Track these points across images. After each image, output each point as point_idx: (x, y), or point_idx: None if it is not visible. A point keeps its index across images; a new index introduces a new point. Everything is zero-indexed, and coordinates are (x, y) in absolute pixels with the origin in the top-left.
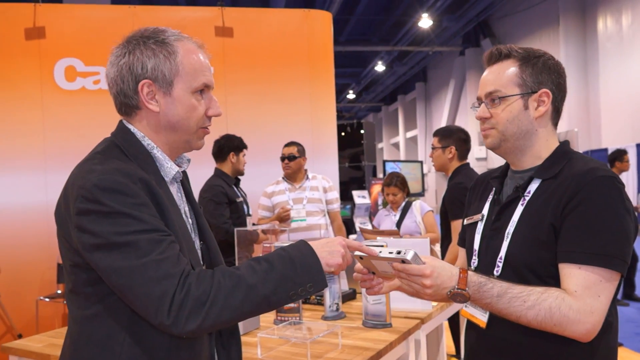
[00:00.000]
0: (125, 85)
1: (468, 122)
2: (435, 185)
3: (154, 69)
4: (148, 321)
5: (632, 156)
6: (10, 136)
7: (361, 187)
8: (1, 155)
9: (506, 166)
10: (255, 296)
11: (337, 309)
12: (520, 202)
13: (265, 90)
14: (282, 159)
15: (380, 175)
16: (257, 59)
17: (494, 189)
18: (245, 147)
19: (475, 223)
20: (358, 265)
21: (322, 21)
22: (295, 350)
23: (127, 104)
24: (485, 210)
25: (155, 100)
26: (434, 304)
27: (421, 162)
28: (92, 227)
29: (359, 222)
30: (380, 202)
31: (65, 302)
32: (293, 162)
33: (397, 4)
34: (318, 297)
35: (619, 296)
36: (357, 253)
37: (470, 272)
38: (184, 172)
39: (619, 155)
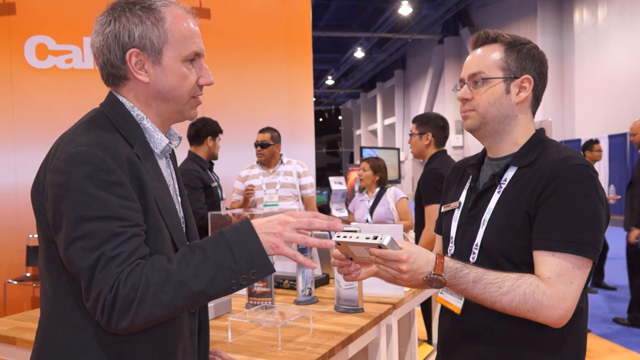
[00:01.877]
0: (112, 55)
1: (446, 110)
2: (412, 173)
3: (142, 37)
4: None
5: (604, 147)
6: None
7: (338, 173)
8: None
9: (483, 154)
10: (188, 291)
11: (310, 294)
12: (497, 190)
13: (242, 73)
14: (255, 145)
15: (357, 161)
16: (234, 42)
17: (470, 176)
18: (221, 131)
19: (452, 210)
20: (336, 251)
21: (301, 4)
22: (266, 334)
23: (114, 74)
24: (462, 198)
25: (145, 70)
26: (406, 289)
27: (398, 150)
28: (56, 204)
29: (335, 208)
30: (357, 188)
31: (34, 285)
32: (266, 150)
33: None
34: (291, 282)
35: (588, 284)
36: (334, 239)
37: (446, 258)
38: (172, 151)
39: (589, 145)
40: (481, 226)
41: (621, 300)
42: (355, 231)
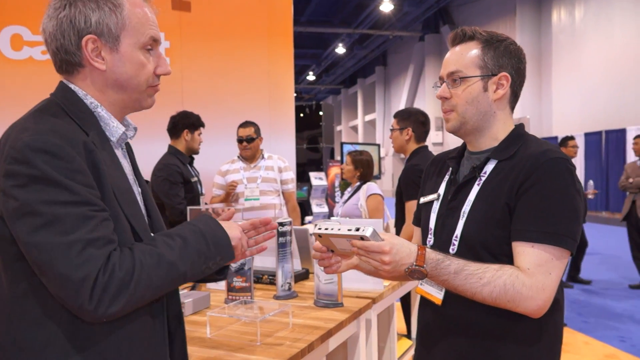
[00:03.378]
0: (67, 41)
1: (426, 106)
2: (392, 169)
3: (99, 23)
4: (64, 304)
5: (580, 144)
6: None
7: (319, 169)
8: None
9: (463, 147)
10: (175, 273)
11: (289, 289)
12: (477, 182)
13: (222, 66)
14: (240, 140)
15: (337, 157)
16: (214, 34)
17: (450, 169)
18: (201, 125)
19: (431, 202)
20: (316, 244)
21: None
22: (245, 329)
23: (68, 61)
24: (441, 190)
25: (101, 57)
26: (386, 283)
27: (378, 145)
28: (17, 193)
29: (315, 204)
30: (337, 184)
31: None
32: (252, 144)
33: None
34: (270, 277)
35: (564, 278)
36: (315, 231)
37: (428, 250)
38: (128, 144)
39: (564, 141)
40: (461, 218)
41: (596, 294)
42: (337, 224)
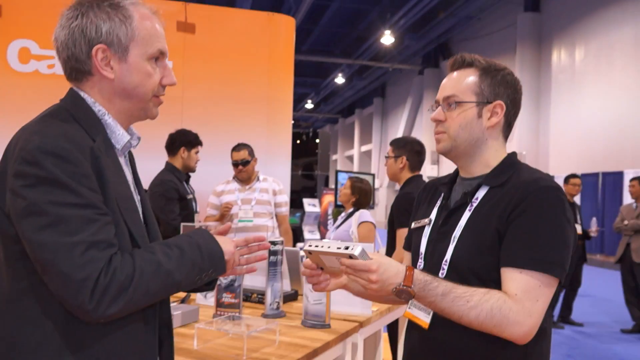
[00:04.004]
0: (78, 50)
1: (423, 140)
2: (386, 200)
3: (109, 33)
4: (64, 303)
5: None
6: None
7: (312, 196)
8: None
9: (455, 173)
10: (171, 281)
11: (278, 308)
12: (468, 208)
13: (223, 89)
14: (236, 164)
15: (332, 185)
16: (217, 58)
17: (442, 194)
18: (199, 143)
19: (423, 227)
20: (306, 260)
21: (285, 26)
22: (232, 343)
23: (78, 69)
24: (433, 215)
25: (110, 67)
26: (374, 308)
27: (373, 175)
28: (26, 192)
29: (308, 230)
30: (329, 212)
31: None
32: (248, 167)
33: (361, 18)
34: (259, 296)
35: (555, 318)
36: (306, 248)
37: (416, 271)
38: (130, 153)
39: (567, 178)
40: (451, 243)
41: (588, 336)
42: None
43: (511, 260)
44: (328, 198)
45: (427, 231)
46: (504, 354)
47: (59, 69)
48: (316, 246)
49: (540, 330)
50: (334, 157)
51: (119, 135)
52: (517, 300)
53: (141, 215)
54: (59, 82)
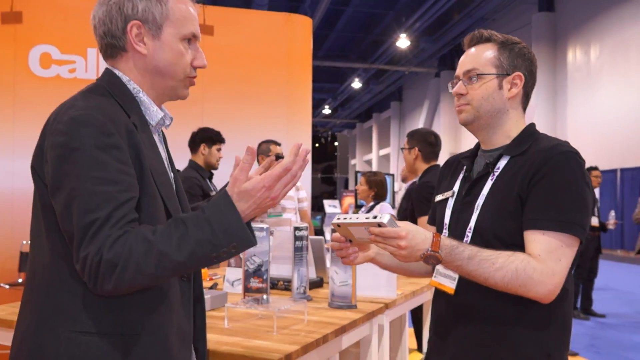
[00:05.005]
0: (114, 26)
1: (442, 140)
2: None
3: (145, 11)
4: None
5: None
6: None
7: (333, 198)
8: None
9: (476, 147)
10: (169, 262)
11: (305, 292)
12: (490, 177)
13: (242, 89)
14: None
15: (352, 187)
16: (236, 59)
17: (464, 167)
18: (220, 140)
19: (446, 199)
20: (335, 234)
21: (302, 26)
22: (261, 322)
23: (113, 45)
24: (456, 187)
25: (144, 43)
26: (399, 292)
27: (392, 176)
28: (57, 164)
29: (329, 231)
30: (350, 213)
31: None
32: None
33: (376, 23)
34: (286, 283)
35: (578, 307)
36: (334, 220)
37: (442, 237)
38: (163, 133)
39: (590, 172)
40: (475, 211)
41: (610, 327)
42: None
43: (533, 223)
44: (348, 200)
45: (450, 203)
46: (529, 313)
47: (80, 73)
48: (345, 218)
49: (562, 290)
50: (352, 161)
51: (153, 112)
52: (540, 261)
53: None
54: (80, 86)
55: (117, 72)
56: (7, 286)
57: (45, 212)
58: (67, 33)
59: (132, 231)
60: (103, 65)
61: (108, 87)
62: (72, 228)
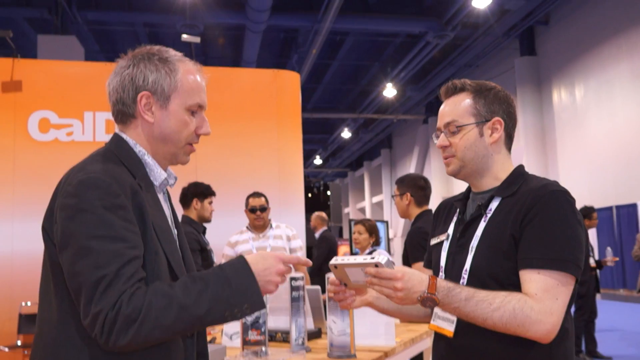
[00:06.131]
0: (125, 94)
1: (433, 184)
2: (401, 250)
3: (155, 83)
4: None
5: None
6: None
7: None
8: None
9: (467, 191)
10: (188, 316)
11: (303, 343)
12: (483, 219)
13: (234, 144)
14: (253, 210)
15: (346, 236)
16: (227, 115)
17: (457, 210)
18: (211, 194)
19: (441, 243)
20: (332, 277)
21: (290, 81)
22: None
23: (124, 112)
24: (450, 230)
25: (151, 112)
26: (397, 340)
27: (387, 223)
28: (66, 224)
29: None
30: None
31: (25, 352)
32: (264, 213)
33: (362, 74)
34: (284, 335)
35: (583, 349)
36: (331, 262)
37: (438, 279)
38: (167, 192)
39: (588, 212)
40: (469, 252)
41: None
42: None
43: (528, 262)
44: (343, 249)
45: (445, 245)
46: (530, 355)
47: (77, 136)
48: (342, 260)
49: (562, 330)
50: (345, 210)
51: (157, 173)
52: (537, 300)
53: (179, 248)
54: (78, 148)
55: (124, 136)
56: (6, 349)
57: (54, 271)
58: (64, 98)
59: (149, 287)
60: (99, 127)
61: (115, 151)
62: (80, 285)
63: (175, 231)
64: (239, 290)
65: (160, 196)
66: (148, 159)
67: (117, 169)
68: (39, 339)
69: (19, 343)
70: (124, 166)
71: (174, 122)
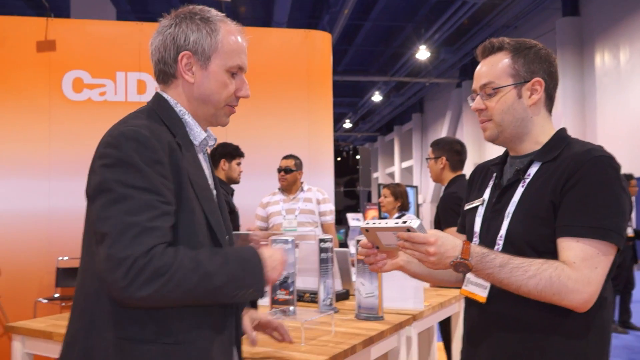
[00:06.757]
0: (167, 54)
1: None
2: (430, 216)
3: (196, 43)
4: (102, 278)
5: None
6: (17, 143)
7: (356, 211)
8: (7, 160)
9: (505, 154)
10: (209, 284)
11: (331, 304)
12: (521, 184)
13: (264, 106)
14: (279, 170)
15: (375, 200)
16: (257, 76)
17: (494, 174)
18: (240, 155)
19: (476, 207)
20: (363, 240)
21: (322, 41)
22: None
23: (165, 71)
24: (486, 195)
25: (192, 72)
26: (426, 304)
27: (416, 188)
28: (103, 171)
29: (353, 245)
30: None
31: (62, 304)
32: (289, 175)
33: (395, 35)
34: (312, 295)
35: (616, 321)
36: (363, 225)
37: (472, 244)
38: (207, 153)
39: (627, 180)
40: (505, 219)
41: None
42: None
43: (568, 230)
44: (372, 213)
45: (480, 210)
46: (566, 323)
47: (110, 96)
48: (373, 223)
49: (600, 298)
50: (374, 174)
51: (197, 133)
52: (575, 269)
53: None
54: (110, 108)
55: (166, 95)
56: (45, 300)
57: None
58: (97, 58)
59: (179, 247)
60: (131, 87)
61: (156, 109)
62: (108, 229)
63: (214, 192)
64: (251, 273)
65: (200, 156)
66: (188, 119)
67: (157, 126)
68: (80, 287)
69: (56, 295)
70: (165, 125)
71: (213, 83)
